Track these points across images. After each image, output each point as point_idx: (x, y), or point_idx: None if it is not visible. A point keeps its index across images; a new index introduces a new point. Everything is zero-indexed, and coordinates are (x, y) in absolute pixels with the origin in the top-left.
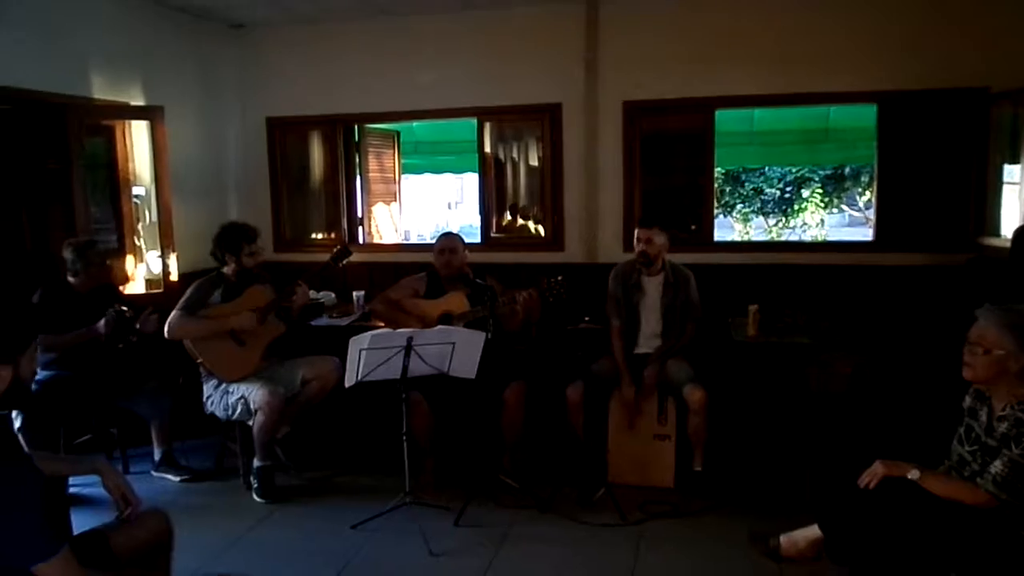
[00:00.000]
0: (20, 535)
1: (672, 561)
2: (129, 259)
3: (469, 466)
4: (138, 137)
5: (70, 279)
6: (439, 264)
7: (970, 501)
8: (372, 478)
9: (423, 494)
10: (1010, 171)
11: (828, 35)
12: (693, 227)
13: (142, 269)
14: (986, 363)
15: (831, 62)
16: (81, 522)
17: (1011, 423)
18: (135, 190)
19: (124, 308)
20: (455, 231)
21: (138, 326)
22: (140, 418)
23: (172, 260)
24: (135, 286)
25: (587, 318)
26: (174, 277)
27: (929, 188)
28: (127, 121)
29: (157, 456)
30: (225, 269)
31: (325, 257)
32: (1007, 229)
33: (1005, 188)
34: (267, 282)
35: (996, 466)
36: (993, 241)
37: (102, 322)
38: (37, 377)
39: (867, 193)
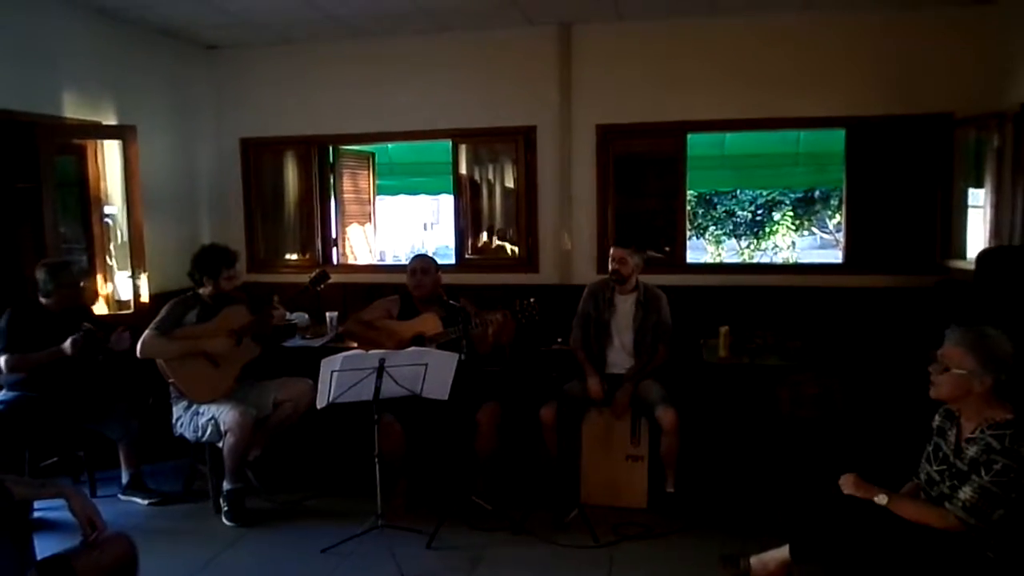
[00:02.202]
0: None
1: None
2: (100, 279)
3: (442, 488)
4: (110, 156)
5: (42, 300)
6: (411, 285)
7: (939, 526)
8: (344, 501)
9: (395, 517)
10: (975, 195)
11: (798, 62)
12: (667, 249)
13: (112, 289)
14: (948, 381)
15: (801, 88)
16: (45, 547)
17: (981, 448)
18: (106, 210)
19: (92, 327)
20: (429, 253)
21: (110, 345)
22: (108, 440)
23: (143, 280)
24: (105, 306)
25: (560, 339)
26: (145, 298)
27: (897, 211)
28: (99, 140)
29: (125, 479)
30: (201, 290)
31: (299, 278)
32: (972, 252)
33: (970, 211)
34: (243, 303)
35: (966, 492)
36: (959, 264)
37: (69, 341)
38: (2, 398)
39: (837, 216)
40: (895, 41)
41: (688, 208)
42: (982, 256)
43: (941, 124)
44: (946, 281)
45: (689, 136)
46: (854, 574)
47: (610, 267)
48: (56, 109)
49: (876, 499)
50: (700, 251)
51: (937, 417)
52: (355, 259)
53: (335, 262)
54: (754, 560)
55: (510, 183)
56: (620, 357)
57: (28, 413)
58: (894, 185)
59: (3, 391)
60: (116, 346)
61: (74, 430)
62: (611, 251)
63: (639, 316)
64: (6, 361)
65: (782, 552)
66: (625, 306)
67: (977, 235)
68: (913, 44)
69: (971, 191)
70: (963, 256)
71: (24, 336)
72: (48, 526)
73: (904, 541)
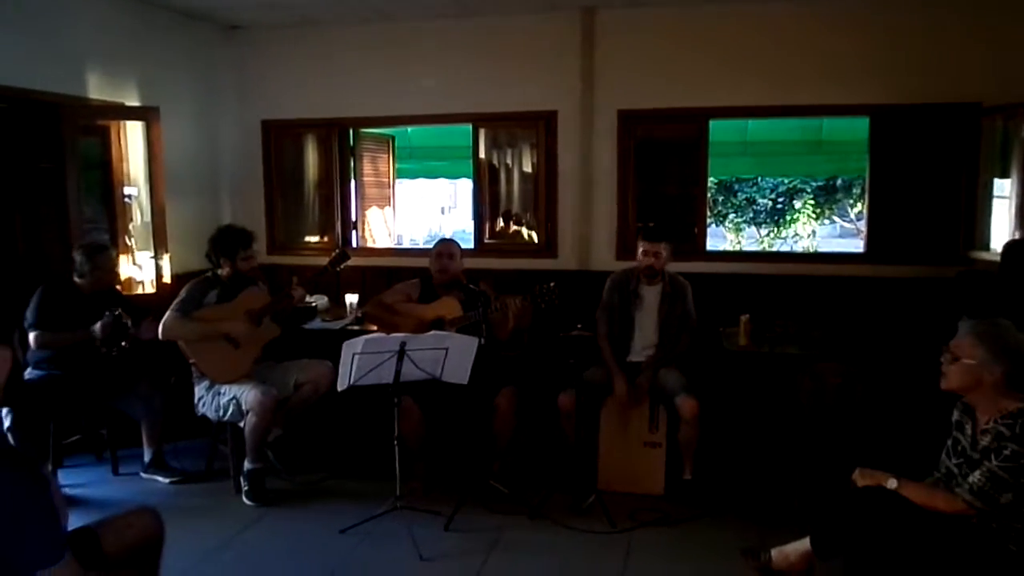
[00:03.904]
0: (27, 540)
1: (661, 569)
2: (121, 259)
3: (460, 471)
4: (132, 137)
5: (76, 280)
6: (435, 269)
7: (947, 510)
8: (363, 482)
9: (414, 499)
10: (1000, 185)
11: (822, 48)
12: (696, 231)
13: (134, 269)
14: (958, 372)
15: (825, 75)
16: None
17: (993, 436)
18: (126, 190)
19: (121, 312)
20: (451, 237)
21: (138, 332)
22: (130, 418)
23: (165, 261)
24: (126, 286)
25: (579, 325)
26: (167, 279)
27: (920, 201)
28: (122, 121)
29: (147, 457)
30: (219, 271)
31: (318, 260)
32: (997, 243)
33: (995, 202)
34: (262, 284)
35: (975, 476)
36: (983, 255)
37: (98, 325)
38: (29, 376)
39: (859, 205)
40: (922, 29)
41: (708, 195)
42: (1008, 247)
43: (968, 113)
44: (968, 272)
45: (711, 122)
46: (876, 568)
47: (643, 262)
48: (80, 90)
49: (887, 484)
50: (720, 238)
51: (956, 412)
52: (374, 242)
53: (355, 245)
54: (775, 552)
55: (528, 168)
56: (643, 347)
57: (53, 391)
58: (918, 174)
59: (29, 369)
60: (143, 334)
61: (97, 408)
62: (644, 245)
63: (665, 306)
64: (36, 338)
65: (803, 544)
66: (651, 297)
67: (1002, 226)
68: (940, 32)
69: (996, 181)
70: (987, 247)
71: (55, 314)
72: (72, 503)
73: (925, 535)
